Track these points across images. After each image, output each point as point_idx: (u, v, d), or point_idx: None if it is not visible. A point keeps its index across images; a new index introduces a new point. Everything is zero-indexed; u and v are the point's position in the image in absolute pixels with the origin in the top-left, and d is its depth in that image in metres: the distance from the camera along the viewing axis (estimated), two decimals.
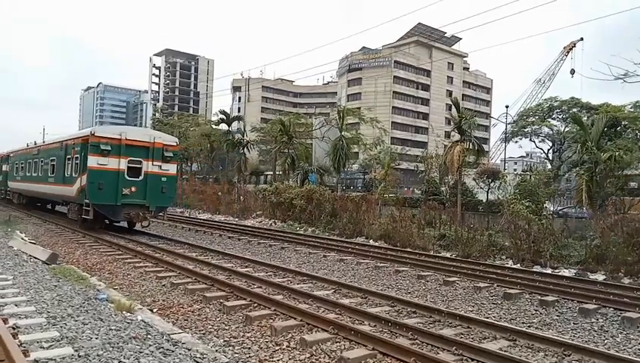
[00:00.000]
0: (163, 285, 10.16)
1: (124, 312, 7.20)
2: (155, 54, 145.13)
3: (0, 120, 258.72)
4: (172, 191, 20.12)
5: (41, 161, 23.27)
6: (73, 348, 5.34)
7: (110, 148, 17.40)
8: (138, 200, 18.09)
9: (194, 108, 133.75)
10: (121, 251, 14.46)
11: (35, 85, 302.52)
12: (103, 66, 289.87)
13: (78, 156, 18.47)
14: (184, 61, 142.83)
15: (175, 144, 19.94)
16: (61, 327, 6.13)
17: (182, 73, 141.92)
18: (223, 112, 47.38)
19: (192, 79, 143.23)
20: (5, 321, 6.06)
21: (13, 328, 5.86)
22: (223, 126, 46.58)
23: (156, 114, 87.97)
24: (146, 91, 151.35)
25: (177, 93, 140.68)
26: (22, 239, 14.94)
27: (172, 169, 19.38)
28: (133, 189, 17.94)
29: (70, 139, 20.03)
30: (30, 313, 6.68)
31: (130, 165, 17.90)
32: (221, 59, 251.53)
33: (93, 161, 17.27)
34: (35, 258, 11.77)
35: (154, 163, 18.42)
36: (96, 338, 5.78)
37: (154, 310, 8.10)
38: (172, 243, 16.73)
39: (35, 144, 26.62)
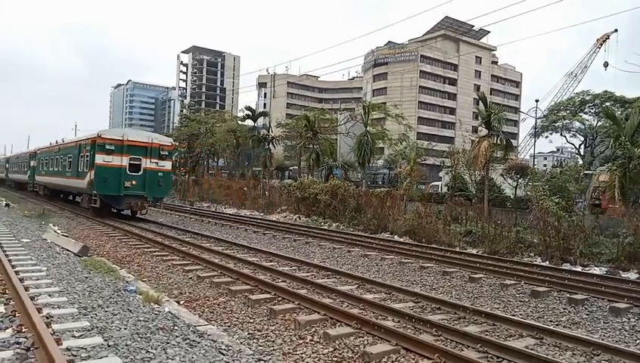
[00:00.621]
0: (190, 278, 10.35)
1: (152, 304, 7.37)
2: (182, 52, 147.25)
3: (37, 117, 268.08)
4: (167, 184, 23.48)
5: (61, 158, 26.32)
6: (102, 337, 5.50)
7: (114, 148, 20.63)
8: (138, 192, 21.16)
9: (220, 104, 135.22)
10: (149, 244, 14.77)
11: (69, 84, 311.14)
12: (133, 64, 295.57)
13: (88, 154, 21.51)
14: (210, 58, 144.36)
15: (170, 144, 23.34)
16: (92, 317, 6.32)
17: (209, 70, 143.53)
18: (249, 108, 47.73)
19: (219, 75, 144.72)
20: (39, 310, 6.29)
21: (47, 317, 6.07)
22: (249, 122, 46.93)
23: (184, 110, 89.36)
24: (174, 88, 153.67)
25: (204, 89, 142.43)
26: (55, 232, 15.43)
27: (167, 165, 22.68)
28: (134, 182, 21.02)
29: (83, 140, 23.33)
30: (62, 303, 6.91)
31: (131, 162, 21.07)
32: (247, 56, 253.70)
33: (100, 158, 20.53)
34: (68, 250, 12.15)
35: (152, 161, 21.60)
36: (125, 328, 5.94)
37: (181, 302, 8.26)
38: (199, 237, 17.00)
39: (57, 142, 29.10)
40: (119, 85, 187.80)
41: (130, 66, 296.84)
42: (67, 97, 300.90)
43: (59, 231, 15.91)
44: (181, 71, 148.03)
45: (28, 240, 13.24)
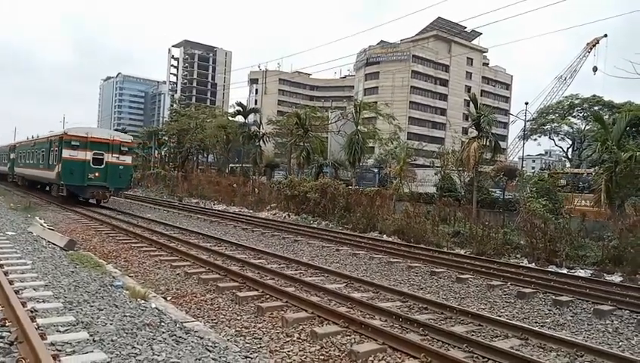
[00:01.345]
0: (177, 274, 10.30)
1: (138, 300, 7.33)
2: (174, 46, 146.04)
3: (24, 109, 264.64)
4: (127, 176, 26.00)
5: (36, 151, 28.90)
6: (88, 332, 5.45)
7: (79, 144, 23.46)
8: (100, 183, 24.04)
9: (211, 100, 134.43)
10: (137, 239, 14.67)
11: (58, 75, 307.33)
12: (123, 57, 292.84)
13: (57, 149, 24.07)
14: (202, 53, 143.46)
15: (130, 141, 26.74)
16: (77, 312, 6.26)
17: (200, 65, 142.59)
18: (240, 104, 47.53)
19: (210, 70, 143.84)
20: (24, 304, 6.21)
21: (32, 312, 6.00)
22: (239, 118, 46.75)
23: (174, 105, 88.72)
24: (164, 82, 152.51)
25: (195, 84, 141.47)
26: (41, 225, 15.26)
27: (127, 159, 25.51)
28: (97, 174, 23.85)
29: (53, 136, 26.00)
30: (48, 297, 6.83)
31: (94, 156, 23.85)
32: (238, 51, 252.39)
33: (66, 153, 23.23)
34: (54, 244, 12.01)
35: (113, 155, 24.39)
36: (111, 324, 5.90)
37: (168, 298, 8.23)
38: (187, 233, 16.92)
39: (33, 137, 31.69)
40: (108, 78, 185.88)
41: (121, 59, 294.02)
42: (56, 88, 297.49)
43: (45, 225, 15.74)
44: (172, 65, 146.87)
45: (13, 233, 13.06)
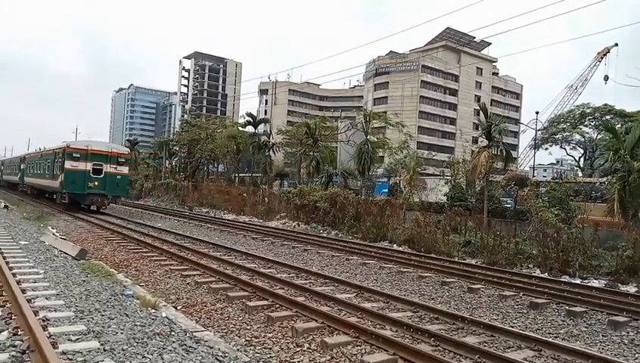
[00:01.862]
0: (188, 283, 10.32)
1: (149, 309, 7.34)
2: (185, 57, 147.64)
3: (39, 119, 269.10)
4: (124, 185, 28.44)
5: (42, 162, 31.08)
6: (99, 342, 5.47)
7: (79, 156, 25.53)
8: (99, 191, 26.00)
9: (221, 110, 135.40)
10: (147, 249, 14.74)
11: (71, 86, 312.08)
12: (135, 68, 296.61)
13: (60, 160, 26.22)
14: (212, 64, 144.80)
15: (127, 152, 29.33)
16: (88, 321, 6.28)
17: (211, 76, 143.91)
18: (250, 114, 47.80)
19: (220, 81, 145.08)
20: (36, 313, 6.25)
21: (43, 320, 6.04)
22: (250, 128, 47.00)
23: (185, 116, 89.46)
24: (175, 93, 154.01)
25: (205, 95, 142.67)
26: (53, 234, 15.40)
27: (124, 170, 27.55)
28: (96, 183, 25.85)
29: (57, 148, 28.08)
30: (59, 307, 6.88)
31: (94, 167, 25.84)
32: (248, 62, 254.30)
33: (68, 164, 25.36)
34: (66, 253, 12.11)
35: (111, 166, 26.43)
36: (121, 333, 5.91)
37: (178, 307, 8.23)
38: (198, 243, 16.97)
39: (40, 149, 34.51)
40: (120, 89, 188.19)
41: (132, 70, 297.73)
42: (69, 99, 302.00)
43: (57, 234, 15.89)
44: (183, 76, 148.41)
45: (26, 243, 13.20)
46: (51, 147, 31.19)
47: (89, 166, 25.72)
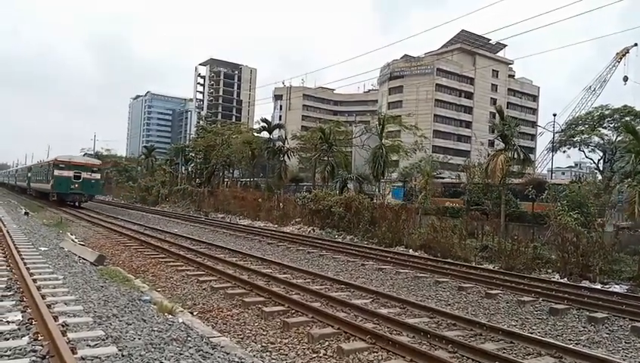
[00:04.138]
0: (204, 289, 10.37)
1: (166, 314, 7.39)
2: (200, 64, 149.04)
3: (59, 126, 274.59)
4: (97, 188, 39.21)
5: (41, 171, 41.08)
6: (117, 347, 5.52)
7: (64, 166, 35.12)
8: (79, 191, 35.60)
9: (236, 116, 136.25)
10: (164, 254, 14.87)
11: (89, 93, 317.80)
12: (152, 75, 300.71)
13: (51, 169, 35.66)
14: (227, 70, 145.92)
15: (99, 163, 40.26)
16: (106, 326, 6.35)
17: (226, 82, 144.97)
18: (265, 120, 47.99)
19: (235, 87, 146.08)
20: (56, 318, 6.34)
21: (63, 326, 6.12)
22: (264, 134, 47.17)
23: (200, 122, 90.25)
24: (191, 100, 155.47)
25: (220, 101, 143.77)
26: (72, 241, 15.63)
27: (97, 176, 37.44)
28: (77, 186, 35.21)
29: (50, 161, 38.34)
30: (78, 312, 6.96)
31: (75, 174, 35.09)
32: (263, 68, 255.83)
33: (57, 172, 34.97)
34: (84, 259, 12.28)
35: (87, 173, 35.87)
36: (139, 338, 5.96)
37: (195, 313, 8.27)
38: (213, 248, 17.06)
39: (40, 161, 46.72)
40: (137, 97, 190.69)
41: (149, 78, 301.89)
42: (88, 106, 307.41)
43: (76, 240, 16.12)
44: (198, 83, 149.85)
45: (46, 249, 13.41)
46: (46, 160, 43.20)
47: (71, 174, 34.92)
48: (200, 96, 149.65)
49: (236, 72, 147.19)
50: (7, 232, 15.37)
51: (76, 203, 36.54)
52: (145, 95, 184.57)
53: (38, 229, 18.77)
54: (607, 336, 8.38)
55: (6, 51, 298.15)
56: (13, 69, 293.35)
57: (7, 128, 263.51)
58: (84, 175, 35.47)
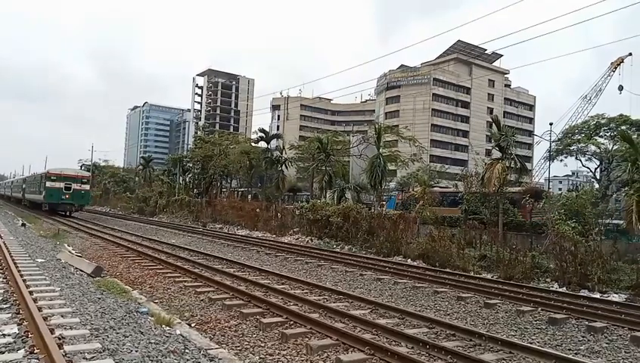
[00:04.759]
0: (202, 300, 10.31)
1: (163, 326, 7.34)
2: (198, 74, 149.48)
3: (57, 136, 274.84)
4: (87, 198, 41.45)
5: (35, 183, 43.14)
6: (113, 360, 5.48)
7: (56, 178, 36.99)
8: (69, 201, 37.72)
9: (234, 126, 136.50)
10: (162, 265, 14.80)
11: (87, 104, 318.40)
12: (149, 86, 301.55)
13: (44, 181, 37.71)
14: (225, 81, 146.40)
15: (88, 175, 43.90)
16: (103, 338, 6.30)
17: (223, 93, 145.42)
18: (262, 130, 48.16)
19: (233, 98, 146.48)
20: (52, 331, 6.29)
21: (59, 339, 6.07)
22: (262, 144, 47.29)
23: (198, 132, 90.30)
24: (189, 110, 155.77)
25: (218, 111, 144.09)
26: (69, 252, 15.55)
27: (86, 187, 39.97)
28: (67, 196, 37.22)
29: (42, 173, 40.58)
30: (75, 324, 6.91)
31: (65, 185, 37.18)
32: (261, 78, 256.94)
33: (48, 184, 36.94)
34: (81, 270, 12.21)
35: (77, 184, 38.07)
36: (136, 351, 5.91)
37: (192, 325, 8.22)
38: (211, 259, 16.99)
39: (34, 173, 49.13)
40: (135, 107, 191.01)
41: (147, 88, 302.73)
42: (85, 117, 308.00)
43: (73, 252, 16.04)
44: (196, 93, 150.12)
45: (43, 260, 13.34)
46: (39, 172, 45.31)
47: (62, 185, 37.04)
48: (197, 106, 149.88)
49: (234, 82, 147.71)
50: (4, 244, 15.28)
51: (67, 213, 38.33)
52: (143, 106, 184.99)
53: (35, 241, 18.68)
54: (607, 345, 8.35)
55: (5, 62, 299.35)
56: (13, 82, 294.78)
57: (5, 139, 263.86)
58: (74, 186, 37.74)
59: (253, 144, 50.05)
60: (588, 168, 53.87)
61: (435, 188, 36.31)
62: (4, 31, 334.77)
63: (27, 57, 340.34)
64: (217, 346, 6.83)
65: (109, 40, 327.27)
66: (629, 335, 8.81)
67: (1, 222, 26.55)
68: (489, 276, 15.98)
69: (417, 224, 23.71)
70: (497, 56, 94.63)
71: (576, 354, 7.69)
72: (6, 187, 70.68)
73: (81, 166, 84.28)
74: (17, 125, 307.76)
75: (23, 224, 25.81)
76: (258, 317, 8.76)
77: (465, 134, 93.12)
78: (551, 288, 13.81)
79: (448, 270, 16.57)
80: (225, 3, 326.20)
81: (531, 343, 8.07)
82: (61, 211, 38.23)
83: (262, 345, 7.33)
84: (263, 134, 47.00)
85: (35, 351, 5.70)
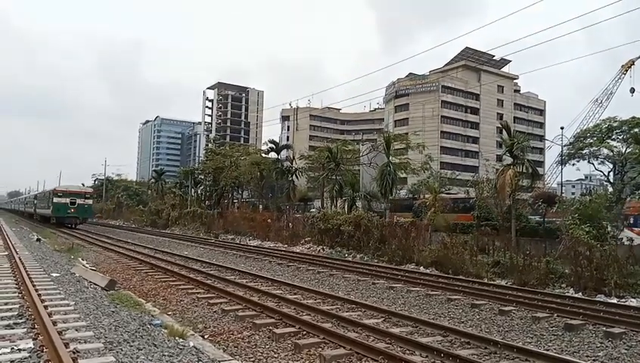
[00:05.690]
0: (214, 311, 10.33)
1: (177, 338, 7.36)
2: (208, 88, 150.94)
3: (69, 152, 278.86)
4: (90, 212, 46.09)
5: (44, 198, 47.86)
6: None
7: (62, 194, 41.42)
8: (75, 215, 42.07)
9: (244, 138, 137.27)
10: (174, 277, 14.87)
11: (100, 120, 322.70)
12: (160, 100, 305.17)
13: (51, 197, 42.25)
14: (235, 93, 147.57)
15: (91, 191, 50.79)
16: (117, 352, 6.34)
17: (233, 105, 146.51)
18: (272, 141, 48.34)
19: (243, 110, 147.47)
20: (67, 345, 6.34)
21: (74, 352, 6.12)
22: (272, 155, 47.47)
23: (209, 145, 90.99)
24: (199, 123, 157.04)
25: (229, 124, 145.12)
26: (83, 266, 15.69)
27: (90, 201, 44.48)
28: (72, 210, 41.61)
29: (51, 189, 45.12)
30: (89, 338, 6.96)
31: (71, 200, 41.47)
32: (270, 90, 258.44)
33: (56, 199, 41.25)
34: (95, 284, 12.31)
35: (81, 199, 42.48)
36: None
37: (205, 336, 8.23)
38: (223, 270, 17.03)
39: (43, 190, 58.37)
40: (147, 122, 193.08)
41: (158, 103, 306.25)
42: (99, 132, 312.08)
43: (87, 265, 16.18)
44: (206, 106, 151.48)
45: (57, 275, 13.48)
46: (47, 189, 52.73)
47: (68, 200, 41.28)
48: (208, 119, 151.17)
49: (243, 94, 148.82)
50: (20, 259, 15.47)
51: (73, 225, 42.20)
52: (154, 120, 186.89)
53: (49, 255, 18.88)
54: (626, 351, 8.20)
55: (19, 79, 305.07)
56: (28, 100, 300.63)
57: (20, 156, 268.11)
58: (79, 201, 41.94)
59: (263, 155, 50.23)
60: (601, 171, 53.26)
61: (446, 195, 36.06)
62: (29, 55, 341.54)
63: (41, 77, 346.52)
64: (230, 358, 6.83)
65: (120, 56, 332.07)
66: None
67: (17, 238, 26.89)
68: (503, 282, 15.81)
69: (428, 232, 23.57)
70: (505, 62, 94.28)
71: (594, 361, 7.57)
72: (20, 203, 76.44)
73: (95, 181, 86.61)
74: (32, 143, 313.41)
75: (38, 239, 26.12)
76: (271, 327, 8.75)
77: (475, 140, 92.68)
78: (566, 294, 13.62)
79: (461, 277, 16.42)
80: (235, 19, 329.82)
81: (548, 350, 7.95)
82: (68, 223, 41.87)
83: (275, 355, 7.31)
84: (273, 145, 47.20)
85: None
